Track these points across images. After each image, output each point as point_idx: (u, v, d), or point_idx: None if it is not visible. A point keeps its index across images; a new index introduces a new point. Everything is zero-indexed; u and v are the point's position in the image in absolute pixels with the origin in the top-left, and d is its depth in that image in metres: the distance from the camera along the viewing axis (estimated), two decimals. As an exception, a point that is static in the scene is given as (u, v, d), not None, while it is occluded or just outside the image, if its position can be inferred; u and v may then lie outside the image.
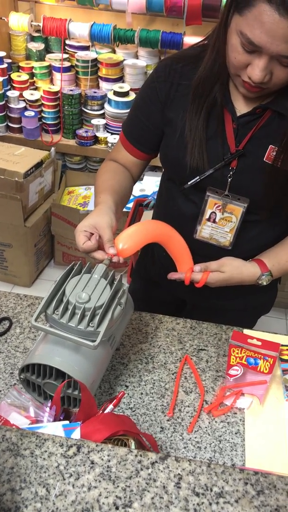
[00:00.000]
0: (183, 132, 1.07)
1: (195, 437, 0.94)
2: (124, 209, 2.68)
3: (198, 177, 1.08)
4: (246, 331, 1.18)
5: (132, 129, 1.19)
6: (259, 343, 1.08)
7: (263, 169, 1.05)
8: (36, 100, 2.74)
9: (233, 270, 1.11)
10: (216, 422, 0.97)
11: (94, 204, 1.13)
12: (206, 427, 0.96)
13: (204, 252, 1.16)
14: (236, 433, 0.95)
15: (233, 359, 1.06)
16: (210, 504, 0.67)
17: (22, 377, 0.93)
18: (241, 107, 1.05)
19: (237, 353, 1.07)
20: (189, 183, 1.10)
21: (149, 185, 2.63)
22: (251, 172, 1.06)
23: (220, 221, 1.12)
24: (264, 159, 1.04)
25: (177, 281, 1.15)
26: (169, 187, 1.21)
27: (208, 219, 1.13)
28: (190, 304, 1.37)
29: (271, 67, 0.91)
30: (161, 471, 0.70)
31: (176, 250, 1.14)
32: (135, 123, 1.18)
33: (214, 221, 1.13)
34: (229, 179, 1.07)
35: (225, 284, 1.12)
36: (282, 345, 1.12)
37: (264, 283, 1.13)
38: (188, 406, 1.00)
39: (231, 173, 1.06)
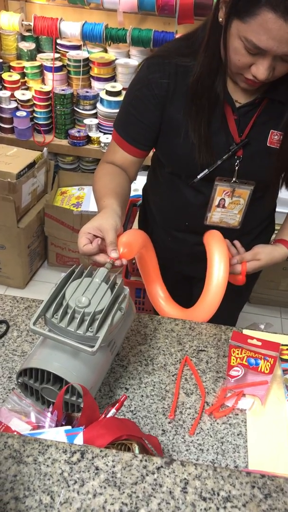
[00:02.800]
0: (187, 130, 1.09)
1: (197, 439, 0.93)
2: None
3: (207, 170, 1.13)
4: (246, 331, 1.17)
5: (127, 127, 1.18)
6: (259, 343, 1.08)
7: (267, 154, 1.11)
8: (28, 100, 2.71)
9: (267, 256, 1.19)
10: (217, 423, 0.96)
11: (97, 208, 1.12)
12: (208, 429, 0.95)
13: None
14: (238, 435, 0.95)
15: (233, 359, 1.06)
16: (218, 509, 0.66)
17: (20, 381, 0.92)
18: (239, 98, 1.09)
19: (238, 354, 1.07)
20: (198, 176, 1.14)
21: (142, 185, 2.61)
22: (257, 158, 1.12)
23: (229, 205, 1.19)
24: (268, 144, 1.10)
25: (182, 261, 1.30)
26: (173, 180, 1.23)
27: (218, 205, 1.19)
28: (198, 278, 1.41)
29: (274, 64, 0.93)
30: (167, 476, 0.69)
31: (153, 262, 1.23)
32: (130, 121, 1.17)
33: (223, 206, 1.19)
34: (237, 167, 1.12)
35: (260, 269, 1.22)
36: (282, 345, 1.11)
37: None
38: (189, 408, 0.99)
39: (238, 161, 1.12)
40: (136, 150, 1.19)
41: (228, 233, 1.23)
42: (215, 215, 1.21)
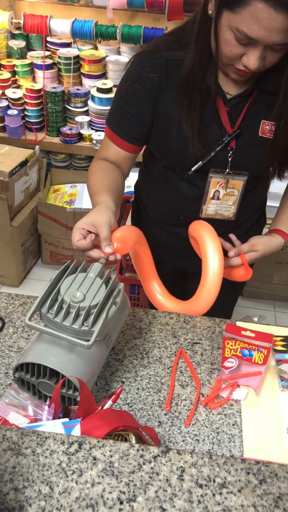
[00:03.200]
0: (180, 123, 1.10)
1: (193, 430, 0.94)
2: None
3: (201, 162, 1.14)
4: (239, 323, 1.19)
5: (119, 123, 1.19)
6: (253, 334, 1.10)
7: (259, 144, 1.12)
8: (19, 98, 2.71)
9: (264, 247, 1.21)
10: (213, 414, 0.98)
11: (92, 205, 1.13)
12: (203, 420, 0.97)
13: None
14: (233, 425, 0.96)
15: (227, 351, 1.07)
16: (214, 495, 0.68)
17: (16, 376, 0.93)
18: (230, 90, 1.10)
19: (232, 345, 1.08)
20: (192, 169, 1.15)
21: (135, 181, 2.62)
22: (249, 148, 1.13)
23: (224, 197, 1.20)
24: (260, 134, 1.11)
25: (177, 256, 1.32)
26: (167, 175, 1.24)
27: (212, 198, 1.20)
28: (192, 272, 1.43)
29: (264, 54, 0.95)
30: (164, 465, 0.71)
31: (148, 258, 1.24)
32: (123, 117, 1.17)
33: (218, 198, 1.21)
34: (230, 159, 1.14)
35: (258, 260, 1.23)
36: (275, 336, 1.13)
37: None
38: (185, 400, 1.00)
39: (231, 152, 1.13)
40: (129, 145, 1.20)
41: (223, 225, 1.25)
42: (210, 208, 1.22)
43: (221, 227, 1.23)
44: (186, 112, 1.08)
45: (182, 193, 1.23)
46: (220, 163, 1.15)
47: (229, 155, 1.13)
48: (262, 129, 1.11)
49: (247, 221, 1.33)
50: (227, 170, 1.15)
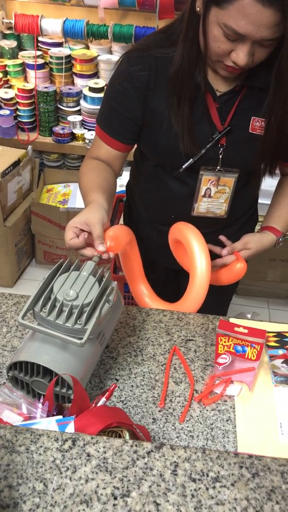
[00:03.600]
0: (170, 120, 1.10)
1: (187, 426, 0.95)
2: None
3: (191, 159, 1.14)
4: (233, 320, 1.19)
5: (110, 122, 1.19)
6: (246, 331, 1.10)
7: (250, 140, 1.13)
8: (11, 99, 2.71)
9: (257, 244, 1.22)
10: (207, 410, 0.98)
11: (84, 204, 1.13)
12: (197, 416, 0.97)
13: (201, 225, 1.22)
14: (227, 420, 0.97)
15: (221, 347, 1.08)
16: (207, 489, 0.68)
17: (10, 375, 0.93)
18: (220, 87, 1.11)
19: (225, 342, 1.09)
20: (183, 166, 1.15)
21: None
22: (240, 145, 1.14)
23: (215, 194, 1.20)
24: (250, 131, 1.12)
25: (169, 255, 1.30)
26: (157, 173, 1.24)
27: (204, 195, 1.20)
28: (184, 271, 1.42)
29: (253, 50, 0.95)
30: (157, 460, 0.71)
31: (137, 260, 1.25)
32: (112, 116, 1.18)
33: (209, 196, 1.21)
34: (221, 156, 1.14)
35: (251, 258, 1.23)
36: (268, 332, 1.14)
37: (281, 244, 1.26)
38: (179, 396, 1.01)
39: (221, 149, 1.13)
40: (119, 144, 1.20)
41: (214, 223, 1.25)
42: (201, 206, 1.22)
43: (213, 225, 1.24)
44: (175, 109, 1.09)
45: (173, 192, 1.23)
46: (211, 160, 1.15)
47: (220, 152, 1.14)
48: (252, 125, 1.12)
49: (239, 219, 1.33)
50: (218, 167, 1.16)
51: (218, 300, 1.44)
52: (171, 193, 1.24)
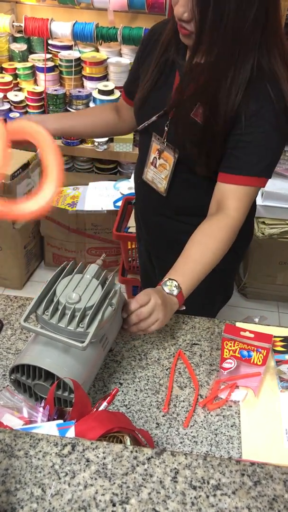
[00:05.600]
0: (145, 78, 1.20)
1: (191, 432, 0.94)
2: (113, 208, 2.67)
3: (146, 122, 1.21)
4: (239, 324, 1.18)
5: (126, 83, 1.37)
6: (252, 335, 1.09)
7: (189, 124, 1.12)
8: (21, 101, 2.72)
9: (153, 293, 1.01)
10: (211, 415, 0.97)
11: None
12: (201, 421, 0.96)
13: (149, 196, 1.31)
14: (232, 426, 0.95)
15: (226, 352, 1.06)
16: (208, 496, 0.67)
17: (12, 377, 0.93)
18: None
19: (230, 346, 1.07)
20: (138, 128, 1.25)
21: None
22: (181, 125, 1.15)
23: (159, 167, 1.25)
24: (191, 115, 1.11)
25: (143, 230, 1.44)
26: (140, 136, 1.37)
27: (152, 163, 1.26)
28: (155, 256, 1.51)
29: (191, 4, 0.94)
30: (157, 466, 0.70)
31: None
32: (127, 77, 1.37)
33: (155, 166, 1.25)
34: (166, 128, 1.17)
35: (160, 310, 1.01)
36: (275, 337, 1.12)
37: (175, 291, 1.04)
38: (183, 401, 1.00)
39: (167, 122, 1.17)
40: (126, 99, 1.36)
41: (158, 198, 1.29)
42: (149, 172, 1.28)
43: (156, 200, 1.28)
44: (148, 72, 1.18)
45: (140, 152, 1.32)
46: (159, 131, 1.20)
47: (166, 124, 1.17)
48: (196, 110, 1.09)
49: (181, 208, 1.28)
50: (164, 140, 1.19)
51: (200, 302, 1.38)
52: (140, 153, 1.33)
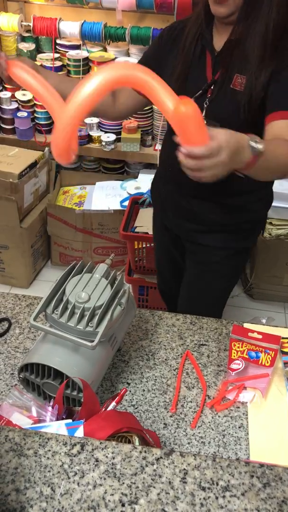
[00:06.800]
0: (176, 68, 1.23)
1: (199, 432, 0.94)
2: (120, 207, 2.67)
3: None
4: (247, 325, 1.18)
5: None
6: (260, 336, 1.08)
7: (230, 95, 1.15)
8: (29, 101, 2.72)
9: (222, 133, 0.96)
10: (219, 416, 0.97)
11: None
12: (209, 422, 0.96)
13: (187, 178, 1.18)
14: (239, 427, 0.95)
15: (234, 353, 1.06)
16: (217, 498, 0.67)
17: (21, 376, 0.93)
18: (218, 45, 1.19)
19: (238, 347, 1.07)
20: None
21: (144, 182, 2.62)
22: (222, 99, 1.18)
23: None
24: (231, 86, 1.15)
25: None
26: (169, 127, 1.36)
27: None
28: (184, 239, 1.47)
29: None
30: (166, 467, 0.70)
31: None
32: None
33: None
34: (205, 105, 1.19)
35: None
36: (283, 338, 1.12)
37: (260, 147, 0.93)
38: (191, 402, 0.99)
39: (206, 100, 1.19)
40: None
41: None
42: None
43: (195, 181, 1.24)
44: (179, 61, 1.22)
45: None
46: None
47: (205, 102, 1.19)
48: (235, 81, 1.15)
49: (226, 181, 1.21)
50: (204, 117, 1.17)
51: (209, 301, 1.44)
52: (168, 142, 1.30)
